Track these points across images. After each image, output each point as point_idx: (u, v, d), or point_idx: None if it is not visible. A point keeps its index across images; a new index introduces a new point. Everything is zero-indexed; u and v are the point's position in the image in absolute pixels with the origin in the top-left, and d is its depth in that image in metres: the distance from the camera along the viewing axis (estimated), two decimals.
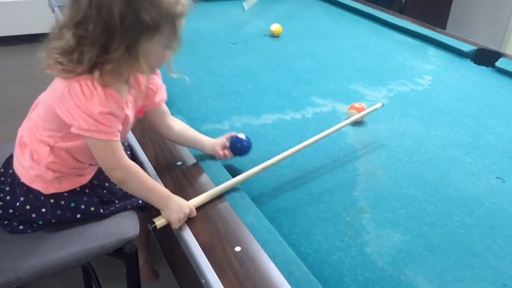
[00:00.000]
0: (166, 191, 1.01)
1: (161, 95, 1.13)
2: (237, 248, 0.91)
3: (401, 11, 3.83)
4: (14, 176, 1.03)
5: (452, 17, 4.06)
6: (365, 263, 0.97)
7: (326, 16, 2.68)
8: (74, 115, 0.90)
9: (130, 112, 1.01)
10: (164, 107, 1.17)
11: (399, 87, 1.82)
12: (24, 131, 1.04)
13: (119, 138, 0.96)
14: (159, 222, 0.97)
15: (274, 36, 2.30)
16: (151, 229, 0.96)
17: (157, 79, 1.11)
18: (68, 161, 1.01)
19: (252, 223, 0.99)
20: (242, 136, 1.23)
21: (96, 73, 0.90)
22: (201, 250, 0.92)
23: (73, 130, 0.92)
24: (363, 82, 1.84)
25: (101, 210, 1.05)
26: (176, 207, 0.97)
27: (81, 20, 0.87)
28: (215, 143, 1.21)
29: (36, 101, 1.05)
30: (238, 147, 1.23)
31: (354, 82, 1.83)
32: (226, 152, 1.22)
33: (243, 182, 1.12)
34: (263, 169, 1.17)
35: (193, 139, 1.22)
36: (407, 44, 2.28)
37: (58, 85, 0.94)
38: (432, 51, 2.20)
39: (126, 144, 1.25)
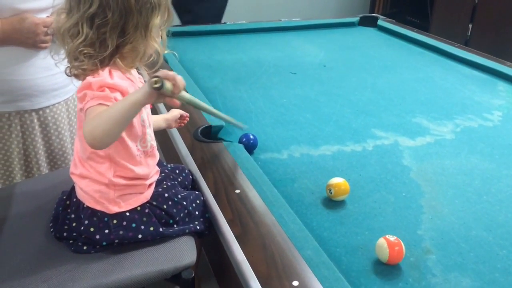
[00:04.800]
0: (132, 93, 0.93)
1: None
2: (295, 283, 0.88)
3: (466, 43, 3.72)
4: (78, 203, 1.08)
5: None
6: None
7: (387, 47, 2.65)
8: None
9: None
10: None
11: (466, 122, 1.74)
12: (76, 166, 1.09)
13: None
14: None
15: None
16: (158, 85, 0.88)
17: None
18: (126, 171, 1.05)
19: (311, 257, 0.96)
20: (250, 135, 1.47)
21: (117, 59, 0.99)
22: (258, 281, 0.90)
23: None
24: (427, 116, 1.78)
25: (160, 229, 1.07)
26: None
27: (96, 11, 0.95)
28: (169, 118, 1.35)
29: (75, 139, 1.13)
30: (246, 144, 1.43)
31: (418, 115, 1.78)
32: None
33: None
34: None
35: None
36: (474, 77, 2.19)
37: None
38: (502, 85, 2.10)
39: (187, 171, 1.27)
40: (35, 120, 1.49)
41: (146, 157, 1.10)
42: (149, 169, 1.11)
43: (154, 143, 1.15)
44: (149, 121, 1.13)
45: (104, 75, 0.96)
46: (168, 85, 0.90)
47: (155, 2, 0.99)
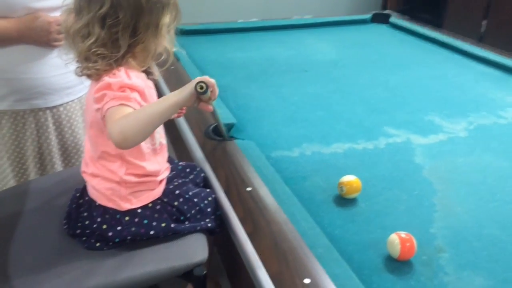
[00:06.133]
0: (172, 94, 0.97)
1: None
2: (307, 280, 0.89)
3: (480, 40, 3.67)
4: (91, 201, 1.09)
5: None
6: None
7: (400, 44, 2.62)
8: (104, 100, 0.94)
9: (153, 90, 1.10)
10: None
11: (480, 119, 1.72)
12: (87, 165, 1.10)
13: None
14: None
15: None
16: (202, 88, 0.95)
17: None
18: (137, 168, 1.05)
19: (322, 255, 0.96)
20: None
21: (129, 59, 1.00)
22: (269, 279, 0.90)
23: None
24: (440, 113, 1.76)
25: (172, 225, 1.08)
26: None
27: (107, 11, 0.96)
28: None
29: (85, 139, 1.14)
30: None
31: (430, 113, 1.76)
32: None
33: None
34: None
35: None
36: (488, 74, 2.17)
37: (89, 96, 1.02)
38: None
39: (198, 168, 1.28)
40: (49, 118, 1.51)
41: (155, 154, 1.11)
42: (159, 166, 1.12)
43: (164, 141, 1.15)
44: None
45: (122, 76, 0.97)
46: (208, 91, 0.98)
47: (164, 1, 1.00)
